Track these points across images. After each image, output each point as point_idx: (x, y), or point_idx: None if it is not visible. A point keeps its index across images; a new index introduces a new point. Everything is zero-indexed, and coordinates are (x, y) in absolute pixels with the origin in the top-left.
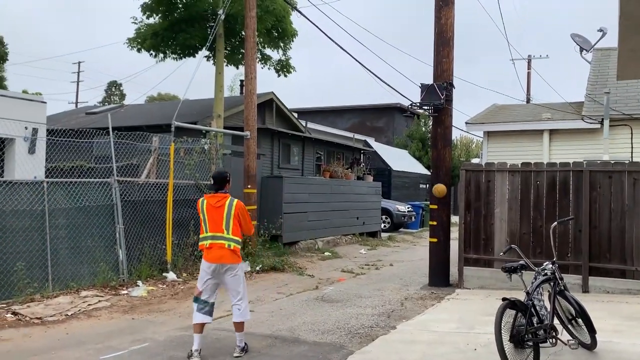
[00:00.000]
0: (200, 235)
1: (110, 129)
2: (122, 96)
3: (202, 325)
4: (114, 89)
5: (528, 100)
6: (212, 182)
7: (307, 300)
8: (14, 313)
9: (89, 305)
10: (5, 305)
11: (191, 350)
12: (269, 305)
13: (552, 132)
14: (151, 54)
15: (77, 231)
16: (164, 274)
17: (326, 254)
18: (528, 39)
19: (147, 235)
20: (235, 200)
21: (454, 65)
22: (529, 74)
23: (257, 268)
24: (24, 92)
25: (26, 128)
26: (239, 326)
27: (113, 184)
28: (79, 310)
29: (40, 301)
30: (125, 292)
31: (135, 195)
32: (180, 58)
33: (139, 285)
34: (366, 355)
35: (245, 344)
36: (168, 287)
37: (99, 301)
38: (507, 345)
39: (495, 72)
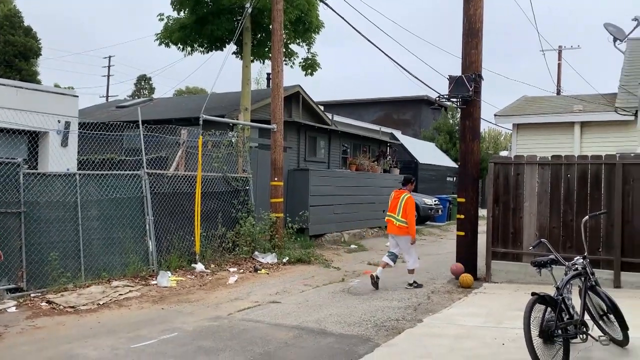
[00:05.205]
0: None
1: (140, 122)
2: (152, 90)
3: (385, 264)
4: (143, 83)
5: (558, 92)
6: (401, 181)
7: (334, 292)
8: (48, 302)
9: (120, 295)
10: (40, 294)
11: (373, 275)
12: (295, 296)
13: (584, 124)
14: (179, 47)
15: (109, 222)
16: (192, 265)
17: (352, 246)
18: (559, 29)
19: (176, 227)
20: (408, 195)
21: (483, 57)
22: (559, 65)
23: (284, 260)
24: (56, 86)
25: (59, 121)
26: (410, 271)
27: (143, 176)
28: (111, 299)
29: (73, 290)
30: (155, 282)
31: (164, 188)
32: (208, 51)
33: (168, 276)
34: (392, 348)
35: (414, 281)
36: (197, 278)
37: (130, 291)
38: (536, 341)
39: (525, 64)
